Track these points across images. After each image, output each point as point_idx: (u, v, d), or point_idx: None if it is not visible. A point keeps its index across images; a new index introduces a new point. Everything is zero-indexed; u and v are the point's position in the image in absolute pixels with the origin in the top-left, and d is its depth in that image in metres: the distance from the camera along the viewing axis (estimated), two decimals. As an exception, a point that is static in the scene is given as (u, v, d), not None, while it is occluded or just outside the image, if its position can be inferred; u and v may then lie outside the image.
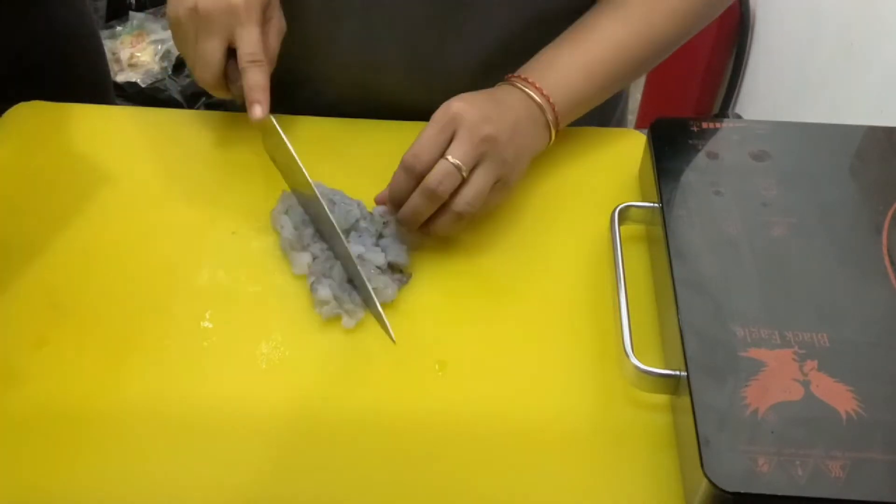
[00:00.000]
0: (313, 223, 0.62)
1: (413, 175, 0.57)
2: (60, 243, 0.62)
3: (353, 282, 0.58)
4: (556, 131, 0.65)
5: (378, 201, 0.62)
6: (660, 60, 0.69)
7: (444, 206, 0.58)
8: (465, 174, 0.57)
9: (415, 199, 0.58)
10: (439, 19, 0.69)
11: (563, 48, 0.66)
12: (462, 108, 0.57)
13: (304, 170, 0.59)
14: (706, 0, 0.68)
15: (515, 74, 0.65)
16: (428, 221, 0.59)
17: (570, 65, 0.65)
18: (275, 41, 0.64)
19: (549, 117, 0.63)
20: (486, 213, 0.62)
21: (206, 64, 0.62)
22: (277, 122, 0.62)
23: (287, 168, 0.63)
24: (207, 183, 0.68)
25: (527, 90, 0.63)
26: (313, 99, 0.77)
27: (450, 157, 0.57)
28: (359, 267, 0.57)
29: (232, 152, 0.70)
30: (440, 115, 0.58)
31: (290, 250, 0.60)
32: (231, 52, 0.62)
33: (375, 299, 0.56)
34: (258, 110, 0.61)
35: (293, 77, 0.77)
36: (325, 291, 0.57)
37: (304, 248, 0.60)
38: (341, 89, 0.76)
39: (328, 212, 0.58)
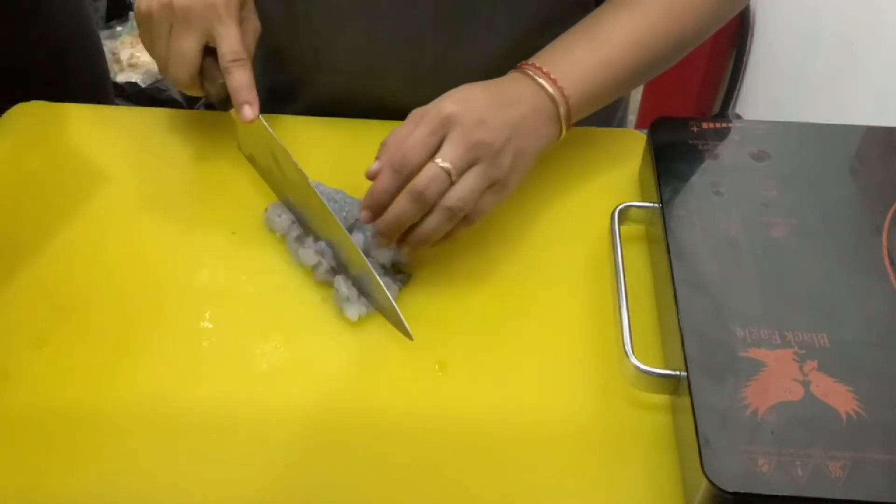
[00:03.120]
0: (309, 226, 0.61)
1: (401, 176, 0.54)
2: (60, 243, 0.62)
3: (359, 279, 0.58)
4: (568, 126, 0.61)
5: (360, 208, 0.58)
6: (675, 60, 0.66)
7: (432, 209, 0.55)
8: (454, 178, 0.55)
9: (400, 203, 0.55)
10: (442, 26, 0.68)
11: (579, 39, 0.63)
12: (455, 110, 0.55)
13: (298, 166, 0.58)
14: None
15: (528, 62, 0.62)
16: (411, 231, 0.56)
17: (586, 57, 0.62)
18: (251, 41, 0.62)
19: (562, 111, 0.60)
20: (483, 217, 0.59)
21: (183, 62, 0.60)
22: (268, 123, 0.61)
23: (274, 169, 0.62)
24: (207, 183, 0.68)
25: (539, 80, 0.60)
26: (314, 104, 0.76)
27: (439, 160, 0.54)
28: (368, 262, 0.56)
29: (232, 152, 0.70)
30: (433, 115, 0.55)
31: (297, 248, 0.60)
32: (206, 50, 0.60)
33: (388, 292, 0.55)
34: (248, 111, 0.59)
35: (295, 83, 0.77)
36: (344, 289, 0.57)
37: (308, 245, 0.59)
38: (343, 95, 0.75)
39: (327, 206, 0.57)
